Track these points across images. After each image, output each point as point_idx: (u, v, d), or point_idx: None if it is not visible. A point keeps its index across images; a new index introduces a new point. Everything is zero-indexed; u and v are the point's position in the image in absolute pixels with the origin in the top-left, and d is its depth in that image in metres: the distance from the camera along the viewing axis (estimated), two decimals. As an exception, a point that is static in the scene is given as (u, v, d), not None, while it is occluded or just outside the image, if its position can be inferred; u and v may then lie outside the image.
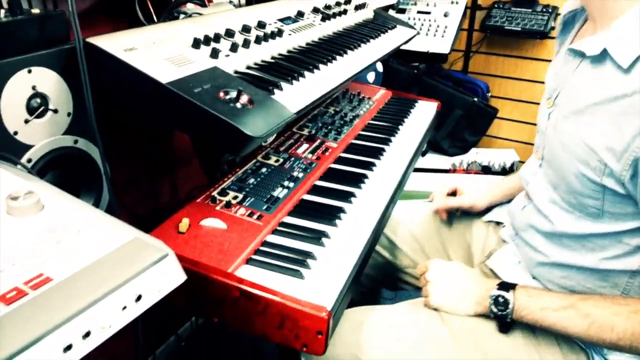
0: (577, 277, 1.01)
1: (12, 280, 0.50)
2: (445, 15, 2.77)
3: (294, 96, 1.00)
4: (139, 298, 0.52)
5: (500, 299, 0.99)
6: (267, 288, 0.84)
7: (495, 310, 1.00)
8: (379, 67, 2.72)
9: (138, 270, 0.52)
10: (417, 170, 2.73)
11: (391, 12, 2.87)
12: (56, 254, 0.54)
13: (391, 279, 1.48)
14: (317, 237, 0.99)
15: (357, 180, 1.23)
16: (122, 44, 0.88)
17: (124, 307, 0.50)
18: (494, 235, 1.33)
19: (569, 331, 0.93)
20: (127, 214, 1.34)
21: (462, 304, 1.06)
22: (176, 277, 0.56)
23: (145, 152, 1.41)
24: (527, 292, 0.98)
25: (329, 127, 1.50)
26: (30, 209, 0.59)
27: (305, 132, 1.46)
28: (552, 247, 1.04)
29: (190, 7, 1.34)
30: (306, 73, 1.10)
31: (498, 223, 1.35)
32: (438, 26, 2.75)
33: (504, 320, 0.99)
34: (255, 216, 1.02)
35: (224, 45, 1.04)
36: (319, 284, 0.88)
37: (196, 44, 0.99)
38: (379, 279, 1.50)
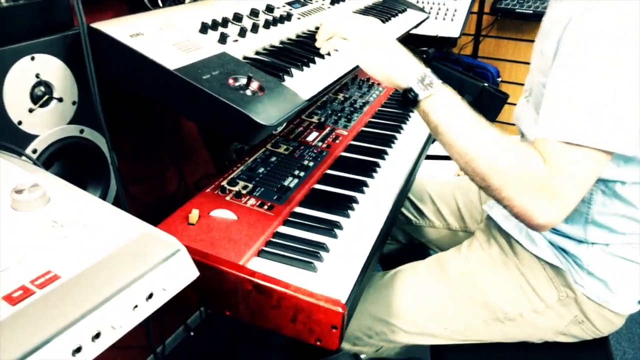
0: None
1: (18, 278, 0.47)
2: (455, -2, 2.71)
3: (305, 83, 0.97)
4: (150, 296, 0.50)
5: (427, 80, 0.90)
6: (280, 281, 0.81)
7: (415, 88, 0.89)
8: (388, 52, 2.68)
9: (149, 267, 0.50)
10: (427, 157, 2.69)
11: (400, -4, 2.81)
12: (63, 250, 0.52)
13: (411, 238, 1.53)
14: (329, 228, 0.96)
15: (369, 169, 1.20)
16: (128, 30, 0.85)
17: (135, 306, 0.48)
18: None
19: (456, 136, 0.88)
20: (135, 204, 1.32)
21: (379, 64, 0.94)
22: (188, 273, 0.54)
23: (152, 140, 1.38)
24: (451, 92, 0.92)
25: (339, 114, 1.46)
26: (36, 203, 0.57)
27: (315, 119, 1.43)
28: None
29: (196, -10, 1.30)
30: (316, 59, 1.07)
31: None
32: (447, 9, 2.69)
33: (411, 101, 0.91)
34: (265, 206, 1.00)
35: (232, 30, 1.01)
36: (332, 276, 0.86)
37: (204, 28, 0.96)
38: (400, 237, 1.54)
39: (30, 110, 0.80)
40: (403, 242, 1.51)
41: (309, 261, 0.87)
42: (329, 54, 1.10)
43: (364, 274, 0.89)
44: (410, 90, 0.90)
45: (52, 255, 0.51)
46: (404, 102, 0.93)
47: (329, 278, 0.85)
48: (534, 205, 0.82)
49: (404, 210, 1.46)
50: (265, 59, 1.00)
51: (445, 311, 1.14)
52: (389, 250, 1.58)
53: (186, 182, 1.49)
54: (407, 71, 0.92)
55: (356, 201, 1.07)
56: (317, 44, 1.03)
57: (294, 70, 0.98)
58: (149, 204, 1.39)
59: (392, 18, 1.53)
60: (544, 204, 0.82)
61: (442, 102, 0.89)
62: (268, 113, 0.81)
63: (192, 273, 0.54)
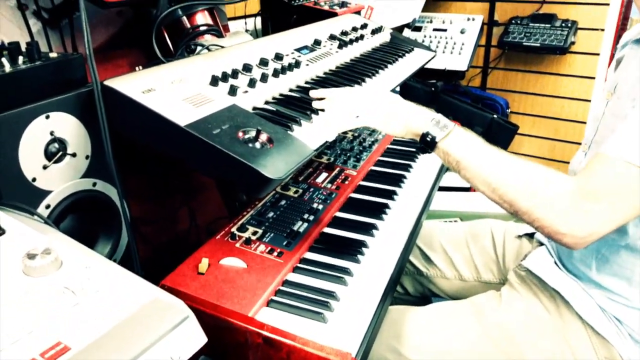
0: (614, 257, 1.02)
1: (28, 350, 0.48)
2: (462, 32, 2.74)
3: (313, 132, 0.98)
4: (158, 367, 0.50)
5: (442, 122, 0.97)
6: (289, 334, 0.81)
7: (432, 131, 0.96)
8: (396, 85, 2.70)
9: (158, 336, 0.50)
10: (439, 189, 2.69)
11: (407, 31, 2.85)
12: (74, 318, 0.52)
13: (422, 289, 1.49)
14: (339, 275, 0.96)
15: (378, 210, 1.20)
16: (140, 86, 0.87)
17: (144, 379, 0.48)
18: (527, 244, 1.33)
19: (480, 168, 0.92)
20: (146, 245, 1.33)
21: (393, 121, 1.02)
22: (196, 340, 0.54)
23: (164, 181, 1.40)
24: (464, 129, 0.98)
25: (348, 154, 1.47)
26: (48, 268, 0.58)
27: (324, 159, 1.44)
28: None
29: (207, 38, 1.34)
30: (325, 106, 1.08)
31: (531, 235, 1.34)
32: (455, 43, 2.73)
33: (429, 144, 0.97)
34: (275, 253, 1.00)
35: (242, 80, 1.03)
36: (342, 326, 0.85)
37: (214, 81, 0.98)
38: (412, 290, 1.50)
39: (45, 167, 0.81)
40: (412, 294, 1.49)
41: (319, 312, 0.86)
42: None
43: (375, 324, 0.88)
44: (427, 134, 0.96)
45: (63, 325, 0.51)
46: (423, 146, 0.98)
47: (339, 328, 0.85)
48: (565, 223, 0.84)
49: (413, 259, 1.44)
50: (274, 109, 1.02)
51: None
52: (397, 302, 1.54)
53: (197, 223, 1.50)
54: (421, 119, 0.99)
55: (366, 245, 1.07)
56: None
57: (302, 120, 0.99)
58: (160, 244, 1.40)
59: (400, 59, 1.55)
60: (576, 221, 0.83)
61: (459, 139, 0.96)
62: (276, 166, 0.82)
63: (200, 339, 0.54)
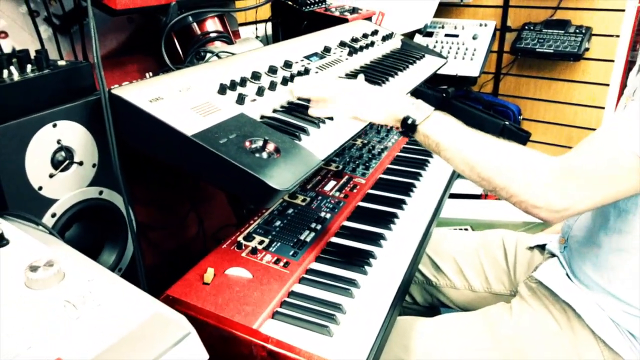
0: (627, 266, 1.01)
1: (28, 366, 0.47)
2: (474, 37, 2.72)
3: (321, 141, 0.97)
4: (158, 385, 0.49)
5: (421, 106, 1.01)
6: (294, 347, 0.80)
7: (412, 115, 0.99)
8: (407, 91, 2.68)
9: (157, 353, 0.50)
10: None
11: (418, 37, 2.84)
12: (75, 333, 0.52)
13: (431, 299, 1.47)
14: (346, 287, 0.95)
15: (387, 220, 1.19)
16: (148, 94, 0.87)
17: (143, 398, 0.47)
18: (539, 256, 1.31)
19: (459, 148, 0.95)
20: (154, 251, 1.33)
21: (374, 108, 1.05)
22: (198, 357, 0.53)
23: (172, 187, 1.40)
24: (444, 114, 1.01)
25: (357, 162, 1.46)
26: (50, 281, 0.57)
27: (333, 167, 1.43)
28: (610, 234, 1.03)
29: (217, 44, 1.33)
30: (333, 114, 1.07)
31: (542, 246, 1.31)
32: (467, 49, 2.71)
33: (410, 127, 1.00)
34: (281, 263, 0.99)
35: (250, 89, 1.02)
36: (348, 341, 0.84)
37: (222, 89, 0.97)
38: (420, 300, 1.49)
39: (51, 176, 0.81)
40: (420, 303, 1.47)
41: (325, 325, 0.85)
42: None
43: (382, 338, 0.87)
44: (408, 117, 1.00)
45: (63, 339, 0.51)
46: (405, 130, 1.02)
47: (345, 342, 0.84)
48: (543, 196, 0.86)
49: (422, 268, 1.42)
50: (282, 117, 1.01)
51: None
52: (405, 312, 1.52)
53: (205, 230, 1.49)
54: (402, 103, 1.03)
55: (374, 256, 1.06)
56: (310, 112, 1.06)
57: (310, 128, 0.98)
58: (167, 252, 1.40)
59: (410, 66, 1.53)
60: (554, 194, 0.86)
61: (438, 122, 0.99)
62: (283, 177, 0.81)
63: (201, 357, 0.54)
